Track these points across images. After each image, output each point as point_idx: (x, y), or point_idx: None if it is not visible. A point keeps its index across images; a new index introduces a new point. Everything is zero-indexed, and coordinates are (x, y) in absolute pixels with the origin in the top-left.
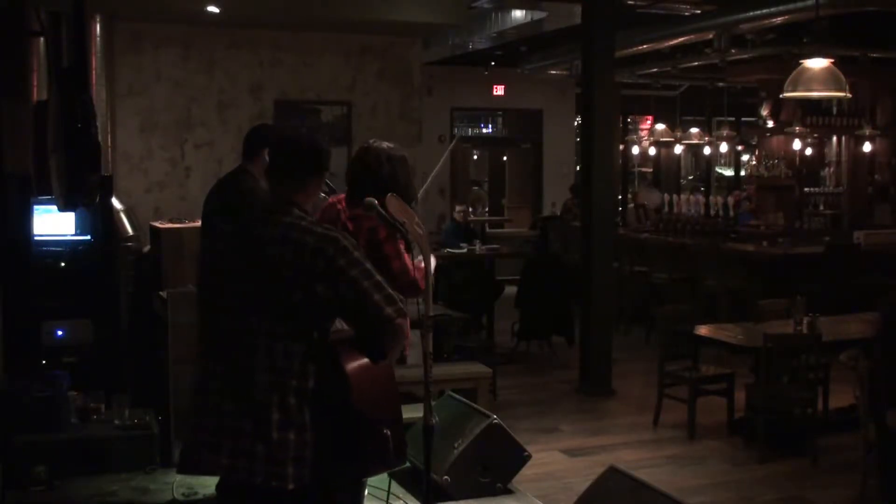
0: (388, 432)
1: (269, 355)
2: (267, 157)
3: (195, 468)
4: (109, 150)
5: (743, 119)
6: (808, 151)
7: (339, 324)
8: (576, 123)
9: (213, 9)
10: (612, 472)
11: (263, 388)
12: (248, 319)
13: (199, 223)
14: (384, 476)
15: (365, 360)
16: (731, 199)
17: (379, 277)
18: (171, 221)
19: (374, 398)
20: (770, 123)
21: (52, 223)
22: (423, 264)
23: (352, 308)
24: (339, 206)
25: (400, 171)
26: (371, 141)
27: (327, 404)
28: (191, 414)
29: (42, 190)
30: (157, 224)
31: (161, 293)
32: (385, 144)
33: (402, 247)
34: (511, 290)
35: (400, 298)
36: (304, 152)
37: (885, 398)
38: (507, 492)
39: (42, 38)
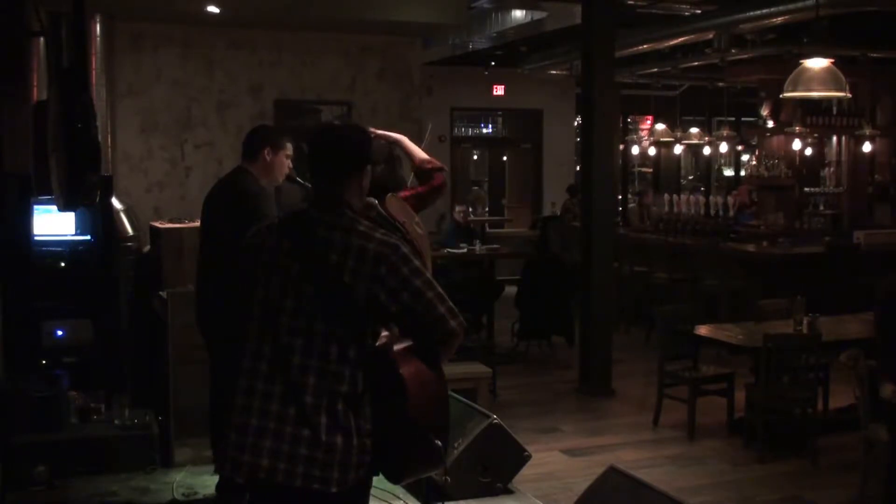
0: (440, 443)
1: (322, 358)
2: (267, 157)
3: (234, 470)
4: (109, 150)
5: (743, 119)
6: (808, 151)
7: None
8: (576, 123)
9: (213, 9)
10: (612, 472)
11: (314, 392)
12: (306, 321)
13: (198, 223)
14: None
15: (421, 368)
16: (730, 199)
17: (440, 289)
18: (171, 221)
19: (428, 407)
20: (770, 123)
21: (52, 223)
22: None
23: (414, 318)
24: None
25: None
26: None
27: (381, 410)
28: (228, 413)
29: (42, 190)
30: (157, 224)
31: (161, 293)
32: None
33: None
34: (511, 290)
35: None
36: (349, 145)
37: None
38: (507, 492)
39: (42, 38)
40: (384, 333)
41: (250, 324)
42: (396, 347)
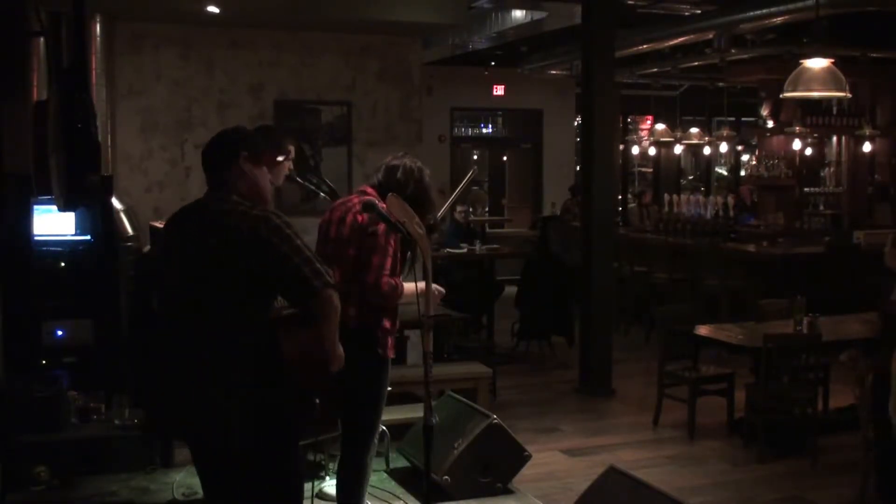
0: (318, 401)
1: (218, 327)
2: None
3: (161, 432)
4: (109, 150)
5: (743, 119)
6: (808, 151)
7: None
8: (576, 123)
9: (213, 9)
10: (612, 472)
11: (213, 357)
12: (203, 297)
13: None
14: (385, 476)
15: (301, 334)
16: (731, 199)
17: (309, 253)
18: None
19: (306, 369)
20: (770, 123)
21: (52, 223)
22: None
23: (284, 281)
24: (354, 208)
25: (420, 187)
26: (398, 160)
27: (267, 372)
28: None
29: (42, 190)
30: (157, 224)
31: None
32: (411, 162)
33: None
34: (511, 290)
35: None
36: (223, 140)
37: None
38: (507, 492)
39: (42, 38)
40: (285, 305)
41: (164, 308)
42: (281, 313)
